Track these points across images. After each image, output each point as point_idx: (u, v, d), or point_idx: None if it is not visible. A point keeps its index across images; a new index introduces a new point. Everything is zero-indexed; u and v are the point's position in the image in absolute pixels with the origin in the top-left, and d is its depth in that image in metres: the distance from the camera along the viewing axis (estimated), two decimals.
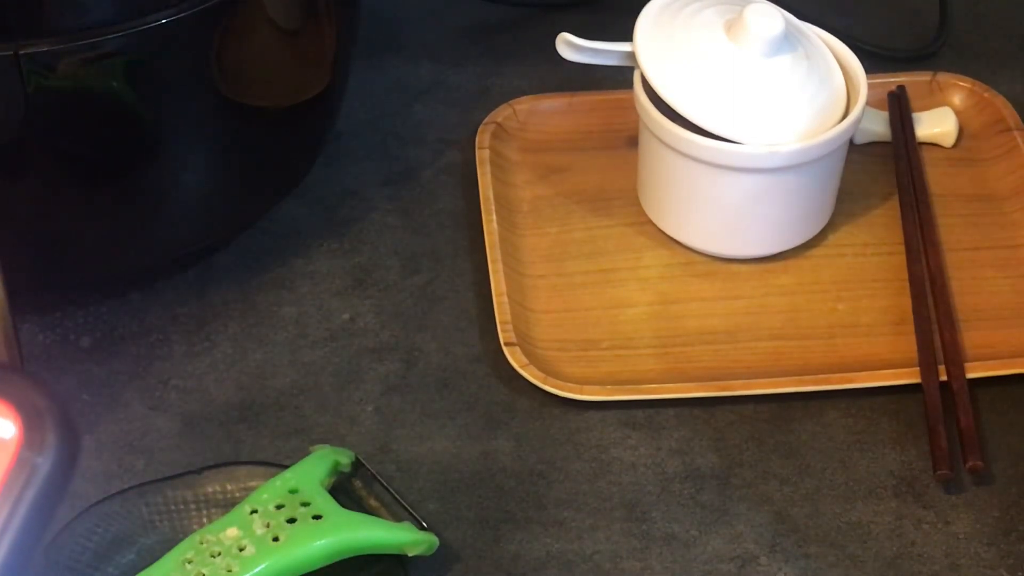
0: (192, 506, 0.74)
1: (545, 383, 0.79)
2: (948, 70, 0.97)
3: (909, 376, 0.80)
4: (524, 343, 0.81)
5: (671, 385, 0.80)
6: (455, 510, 0.75)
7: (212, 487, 0.74)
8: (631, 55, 0.85)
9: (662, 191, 0.87)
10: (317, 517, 0.70)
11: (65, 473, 0.38)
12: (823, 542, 0.74)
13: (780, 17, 0.83)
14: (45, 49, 0.72)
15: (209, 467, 0.75)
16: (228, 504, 0.73)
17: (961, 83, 0.96)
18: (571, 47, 0.87)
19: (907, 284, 0.85)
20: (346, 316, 0.85)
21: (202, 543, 0.70)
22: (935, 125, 0.93)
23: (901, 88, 0.96)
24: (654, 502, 0.76)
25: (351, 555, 0.70)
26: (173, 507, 0.74)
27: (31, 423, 0.37)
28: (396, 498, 0.74)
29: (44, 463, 0.37)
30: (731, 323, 0.84)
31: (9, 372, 0.39)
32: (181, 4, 0.74)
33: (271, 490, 0.72)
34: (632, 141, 0.89)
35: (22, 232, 0.79)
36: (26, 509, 0.36)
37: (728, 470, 0.77)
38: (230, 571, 0.69)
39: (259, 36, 0.80)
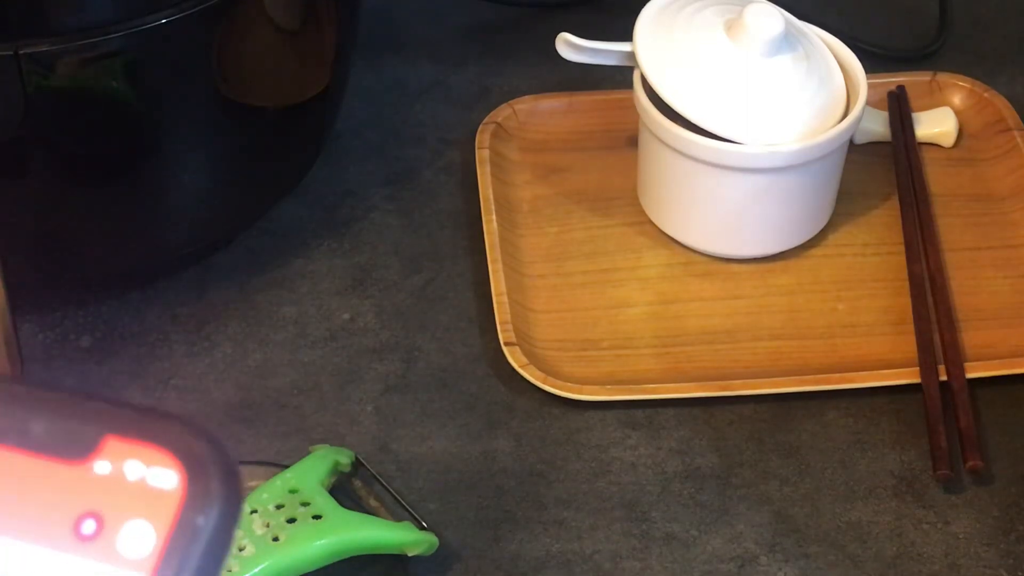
0: None
1: (545, 383, 0.79)
2: (948, 70, 0.97)
3: (909, 376, 0.80)
4: (524, 343, 0.81)
5: (671, 385, 0.80)
6: (455, 510, 0.75)
7: None
8: (631, 55, 0.85)
9: (662, 191, 0.87)
10: (317, 517, 0.70)
11: (229, 533, 0.34)
12: (823, 542, 0.74)
13: (780, 17, 0.83)
14: (45, 49, 0.72)
15: None
16: None
17: (961, 83, 0.96)
18: (571, 47, 0.87)
19: (907, 284, 0.84)
20: (346, 316, 0.85)
21: None
22: (935, 125, 0.93)
23: (901, 88, 0.96)
24: (654, 502, 0.76)
25: (351, 555, 0.70)
26: None
27: (194, 473, 0.34)
28: (396, 498, 0.74)
29: (208, 523, 0.33)
30: (731, 323, 0.84)
31: (161, 414, 0.35)
32: (181, 4, 0.74)
33: (271, 490, 0.72)
34: (632, 141, 0.89)
35: (22, 232, 0.79)
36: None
37: (728, 470, 0.77)
38: (230, 571, 0.69)
39: (259, 36, 0.80)
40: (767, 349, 0.82)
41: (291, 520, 0.70)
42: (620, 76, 0.89)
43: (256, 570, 0.69)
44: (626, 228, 0.89)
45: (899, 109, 0.94)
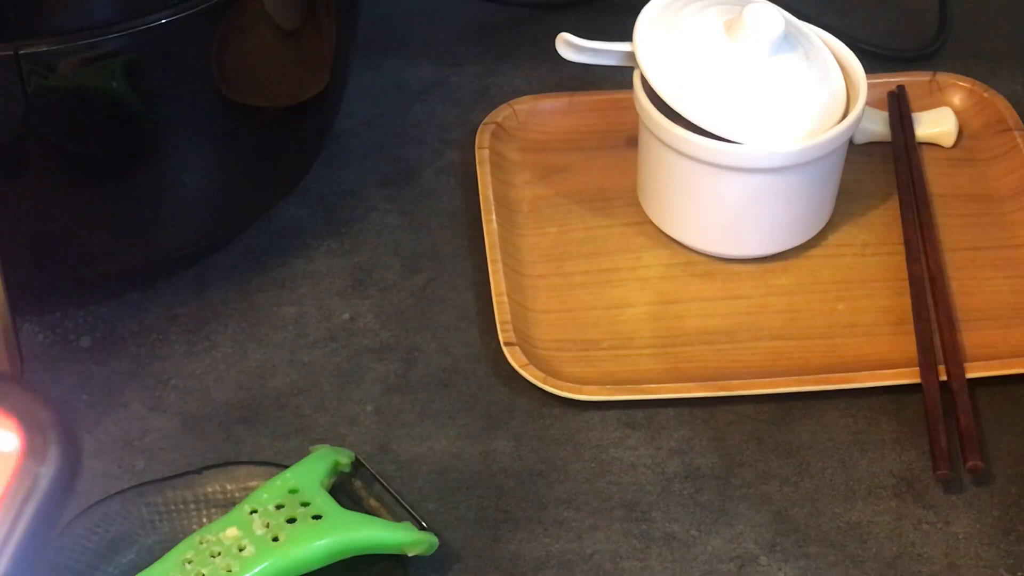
0: (192, 506, 0.74)
1: (545, 383, 0.79)
2: (948, 70, 0.97)
3: (909, 376, 0.80)
4: (524, 343, 0.81)
5: (671, 385, 0.80)
6: (455, 510, 0.75)
7: (212, 487, 0.74)
8: (631, 55, 0.86)
9: (662, 191, 0.87)
10: (317, 517, 0.70)
11: (67, 483, 0.38)
12: (823, 542, 0.74)
13: (780, 17, 0.83)
14: (45, 49, 0.72)
15: (209, 467, 0.75)
16: (228, 504, 0.73)
17: (961, 83, 0.96)
18: (571, 47, 0.87)
19: (907, 284, 0.85)
20: (346, 316, 0.85)
21: (202, 543, 0.70)
22: (935, 125, 0.93)
23: (901, 88, 0.96)
24: (654, 502, 0.76)
25: (351, 555, 0.70)
26: (173, 507, 0.74)
27: (32, 434, 0.38)
28: (396, 498, 0.74)
29: (46, 473, 0.37)
30: (731, 323, 0.84)
31: (8, 383, 0.39)
32: (181, 4, 0.74)
33: (271, 490, 0.72)
34: (632, 141, 0.89)
35: (22, 232, 0.79)
36: (29, 520, 0.36)
37: (728, 470, 0.77)
38: (230, 571, 0.69)
39: (259, 36, 0.80)
40: (767, 349, 0.82)
41: (291, 520, 0.70)
42: (620, 76, 0.89)
43: (256, 570, 0.69)
44: (626, 228, 0.89)
45: (899, 109, 0.94)
